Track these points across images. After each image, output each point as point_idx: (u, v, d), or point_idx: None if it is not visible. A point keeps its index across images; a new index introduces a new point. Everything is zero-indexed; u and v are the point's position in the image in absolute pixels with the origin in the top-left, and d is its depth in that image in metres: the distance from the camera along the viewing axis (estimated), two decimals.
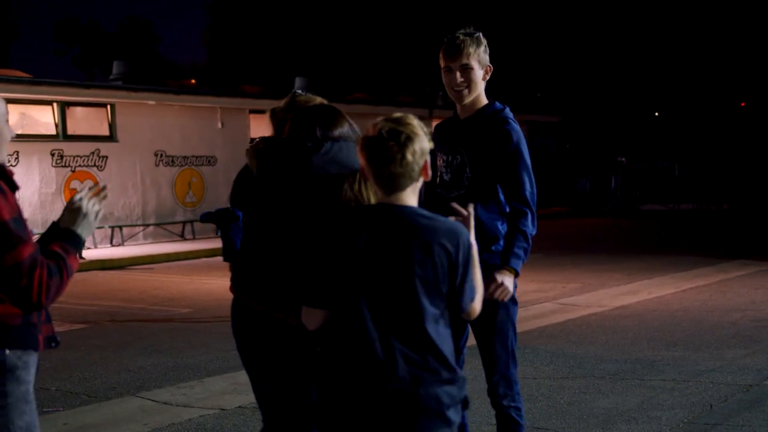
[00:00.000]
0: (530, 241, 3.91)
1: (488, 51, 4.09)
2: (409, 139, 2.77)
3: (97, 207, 3.05)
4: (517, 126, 4.02)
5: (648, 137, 36.99)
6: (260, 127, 23.50)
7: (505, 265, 3.83)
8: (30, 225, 2.99)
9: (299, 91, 3.93)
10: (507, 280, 3.81)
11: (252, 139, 3.84)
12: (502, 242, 3.97)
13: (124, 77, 23.12)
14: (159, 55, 54.18)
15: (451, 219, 2.89)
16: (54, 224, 3.07)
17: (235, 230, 10.06)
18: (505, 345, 4.01)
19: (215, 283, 13.65)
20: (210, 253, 18.87)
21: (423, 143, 2.78)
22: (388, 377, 2.66)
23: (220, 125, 22.45)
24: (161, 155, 21.33)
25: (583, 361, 7.23)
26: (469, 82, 4.02)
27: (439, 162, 4.15)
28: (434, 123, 26.78)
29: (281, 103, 3.94)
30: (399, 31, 41.04)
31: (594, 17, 37.04)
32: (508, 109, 4.09)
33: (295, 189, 3.39)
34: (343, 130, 3.51)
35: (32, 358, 2.89)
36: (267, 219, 3.54)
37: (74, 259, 2.92)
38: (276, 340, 3.49)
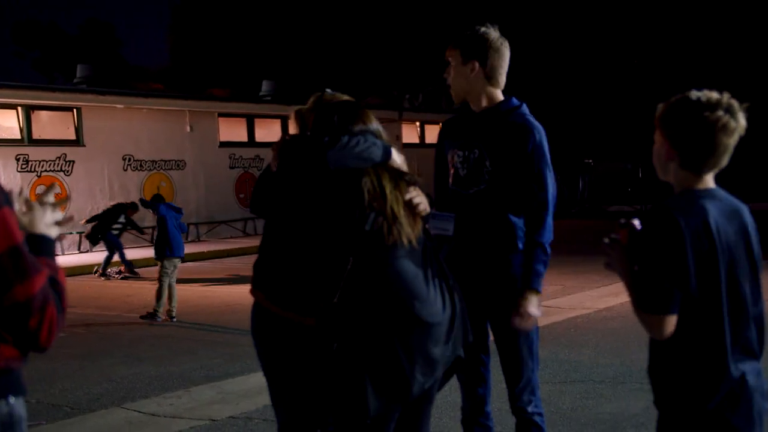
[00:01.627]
0: (549, 249, 3.81)
1: (488, 47, 3.85)
2: (741, 112, 2.56)
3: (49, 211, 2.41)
4: (537, 123, 3.86)
5: (612, 139, 37.21)
6: (229, 130, 23.28)
7: (527, 286, 3.74)
8: None
9: (328, 90, 3.76)
10: (531, 307, 3.73)
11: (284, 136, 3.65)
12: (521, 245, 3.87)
13: (89, 81, 22.78)
14: (121, 58, 53.46)
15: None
16: None
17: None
18: (531, 349, 3.88)
19: (188, 289, 13.39)
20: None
21: None
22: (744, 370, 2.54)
23: (188, 129, 22.16)
24: (129, 159, 20.99)
25: (578, 365, 7.13)
26: (449, 80, 3.90)
27: (453, 158, 3.98)
28: (402, 126, 26.34)
29: (302, 105, 3.76)
30: (366, 34, 40.90)
31: (558, 19, 37.19)
32: (525, 106, 3.94)
33: (311, 185, 3.27)
34: (365, 126, 3.38)
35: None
36: (286, 218, 3.43)
37: (62, 275, 2.34)
38: (294, 342, 3.39)
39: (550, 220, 3.80)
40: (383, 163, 3.31)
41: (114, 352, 8.74)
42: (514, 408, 3.93)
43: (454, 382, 4.06)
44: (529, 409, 3.87)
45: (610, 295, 11.12)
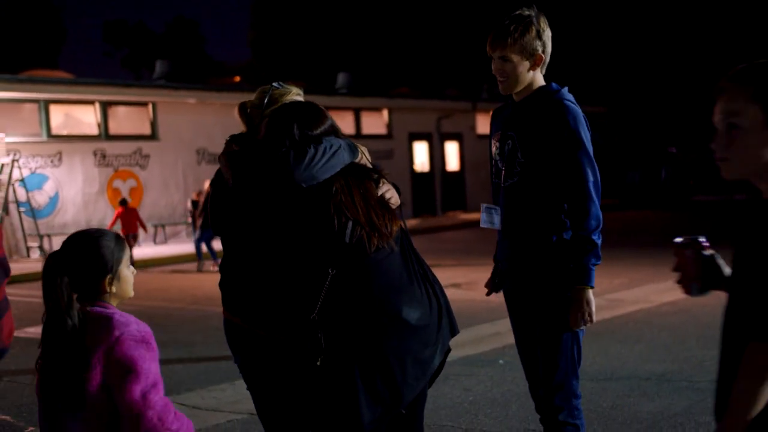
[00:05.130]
0: (597, 239, 3.52)
1: (543, 35, 3.61)
2: None
3: None
4: (576, 108, 3.55)
5: (699, 126, 36.22)
6: None
7: (578, 282, 3.49)
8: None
9: (275, 84, 3.57)
10: (583, 305, 3.49)
11: (228, 140, 3.35)
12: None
13: (167, 76, 23.21)
14: (204, 54, 54.52)
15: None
16: None
17: None
18: (563, 352, 3.58)
19: None
20: None
21: None
22: None
23: None
24: (203, 153, 21.31)
25: (627, 361, 6.90)
26: (507, 75, 3.61)
27: (493, 149, 3.78)
28: (477, 116, 26.03)
29: (255, 98, 3.56)
30: (442, 24, 40.69)
31: (640, 4, 36.34)
32: (565, 90, 3.64)
33: (281, 205, 3.11)
34: (325, 127, 3.21)
35: None
36: (252, 237, 3.25)
37: None
38: (272, 358, 3.28)
39: (593, 208, 3.52)
40: (353, 166, 3.17)
41: (169, 344, 8.84)
42: (543, 416, 3.64)
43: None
44: (560, 417, 3.58)
45: (677, 288, 10.69)
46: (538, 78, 3.68)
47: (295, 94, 3.53)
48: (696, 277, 2.32)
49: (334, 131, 3.23)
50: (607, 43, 35.19)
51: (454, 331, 3.27)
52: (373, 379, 3.07)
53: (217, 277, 3.53)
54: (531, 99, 3.65)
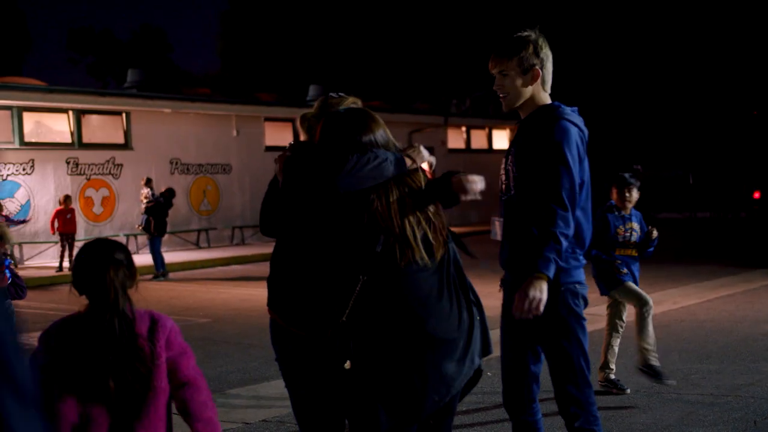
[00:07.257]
0: (563, 240, 3.43)
1: (541, 53, 3.70)
2: None
3: None
4: (566, 124, 3.61)
5: (662, 145, 36.73)
6: (275, 135, 23.40)
7: (535, 270, 3.39)
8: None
9: (333, 93, 3.70)
10: (535, 291, 3.37)
11: (289, 145, 3.51)
12: (575, 272, 3.67)
13: (139, 85, 23.09)
14: (172, 63, 54.23)
15: None
16: None
17: None
18: (574, 361, 3.68)
19: (231, 293, 13.51)
20: (225, 261, 18.76)
21: None
22: None
23: (235, 133, 22.34)
24: (176, 163, 21.24)
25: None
26: (507, 91, 3.71)
27: (502, 166, 3.85)
28: (449, 131, 26.03)
29: (311, 109, 3.75)
30: (414, 39, 40.90)
31: (606, 23, 36.82)
32: (563, 108, 3.71)
33: (320, 207, 3.23)
34: (374, 136, 3.27)
35: None
36: (295, 237, 3.40)
37: None
38: (309, 357, 3.41)
39: (564, 213, 3.46)
40: (397, 178, 3.22)
41: None
42: (565, 423, 3.77)
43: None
44: (576, 424, 3.68)
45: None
46: (543, 96, 3.76)
47: (351, 103, 3.61)
48: None
49: (384, 140, 3.30)
50: (573, 62, 35.62)
51: (486, 351, 3.32)
52: (392, 388, 3.14)
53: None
54: (533, 117, 3.73)
